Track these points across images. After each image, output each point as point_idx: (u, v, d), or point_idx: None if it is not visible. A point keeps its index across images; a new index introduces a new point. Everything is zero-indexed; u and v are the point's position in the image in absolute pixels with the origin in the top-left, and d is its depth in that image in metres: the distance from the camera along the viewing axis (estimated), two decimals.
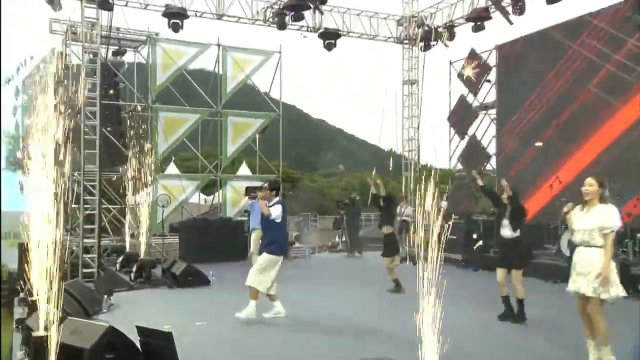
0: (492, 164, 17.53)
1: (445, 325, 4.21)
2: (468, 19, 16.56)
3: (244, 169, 22.10)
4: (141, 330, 5.51)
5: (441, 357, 4.16)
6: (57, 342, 4.71)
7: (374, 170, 14.33)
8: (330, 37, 17.84)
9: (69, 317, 5.72)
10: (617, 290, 5.53)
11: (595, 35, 13.65)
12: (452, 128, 18.52)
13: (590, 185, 5.77)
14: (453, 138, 18.56)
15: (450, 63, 18.53)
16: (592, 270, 5.54)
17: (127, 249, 12.71)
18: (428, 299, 4.13)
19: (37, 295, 6.09)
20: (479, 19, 16.16)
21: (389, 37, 19.08)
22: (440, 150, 22.78)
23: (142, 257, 11.35)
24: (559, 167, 14.42)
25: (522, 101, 15.75)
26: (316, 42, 18.18)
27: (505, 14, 15.45)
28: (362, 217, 21.03)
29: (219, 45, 17.78)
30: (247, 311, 7.79)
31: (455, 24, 17.37)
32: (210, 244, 14.36)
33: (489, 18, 16.05)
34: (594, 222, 5.62)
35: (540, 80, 15.11)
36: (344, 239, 20.08)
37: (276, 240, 8.03)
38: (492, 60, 17.06)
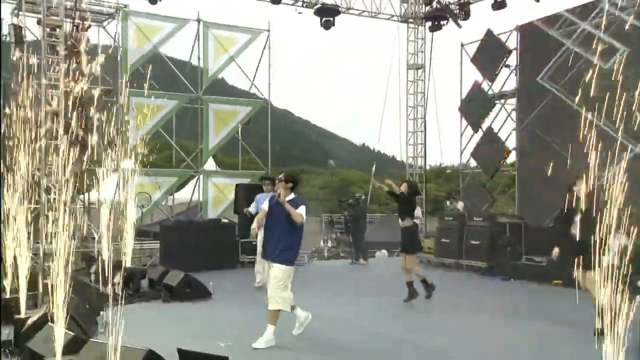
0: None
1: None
2: None
3: (209, 164, 21.37)
4: (186, 355, 4.85)
5: None
6: None
7: (374, 166, 13.90)
8: (328, 14, 17.32)
9: (91, 340, 5.02)
10: None
11: None
12: (464, 119, 18.20)
13: None
14: (465, 131, 18.27)
15: (462, 46, 18.22)
16: None
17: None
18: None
19: (54, 314, 5.36)
20: None
21: (392, 16, 18.64)
22: (450, 144, 22.57)
23: (128, 265, 10.58)
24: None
25: (547, 89, 15.49)
26: (312, 20, 17.67)
27: None
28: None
29: (199, 20, 17.01)
30: (267, 339, 7.11)
31: (471, 1, 17.03)
32: (197, 250, 13.63)
33: None
34: None
35: (567, 64, 14.85)
36: (330, 244, 19.59)
37: (294, 246, 7.38)
38: (512, 43, 16.78)
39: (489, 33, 17.17)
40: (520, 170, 16.62)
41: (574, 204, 7.75)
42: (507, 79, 17.05)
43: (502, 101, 17.37)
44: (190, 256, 13.26)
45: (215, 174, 17.75)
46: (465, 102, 18.06)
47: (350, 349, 7.18)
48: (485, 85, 17.58)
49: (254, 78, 17.83)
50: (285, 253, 7.24)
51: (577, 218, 7.71)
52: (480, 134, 17.65)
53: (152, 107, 16.48)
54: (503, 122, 17.27)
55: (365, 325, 8.49)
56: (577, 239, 7.61)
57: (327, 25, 17.28)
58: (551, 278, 12.31)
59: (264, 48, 17.66)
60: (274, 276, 7.22)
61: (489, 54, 17.15)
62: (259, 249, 11.42)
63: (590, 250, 7.66)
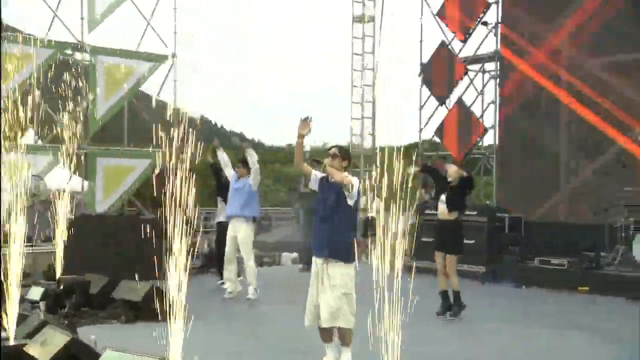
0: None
1: None
2: None
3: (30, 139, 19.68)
4: None
5: None
6: None
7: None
8: None
9: None
10: None
11: None
12: (425, 88, 18.00)
13: None
14: (426, 103, 18.06)
15: None
16: None
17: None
18: None
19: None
20: None
21: None
22: (406, 119, 22.31)
23: (61, 275, 9.19)
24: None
25: (536, 51, 15.62)
26: None
27: None
28: None
29: None
30: None
31: None
32: (105, 255, 12.40)
33: None
34: None
35: (563, 20, 15.07)
36: None
37: (341, 237, 6.70)
38: None
39: None
40: (501, 153, 16.63)
41: None
42: (484, 40, 16.99)
43: (477, 67, 17.31)
44: (97, 264, 11.98)
45: (105, 154, 16.14)
46: (428, 67, 17.85)
47: None
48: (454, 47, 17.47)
49: (150, 16, 16.53)
50: (335, 245, 6.64)
51: None
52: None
53: (19, 56, 14.83)
54: (478, 93, 17.25)
55: None
56: None
57: None
58: (573, 284, 12.36)
59: None
60: (333, 280, 6.59)
61: (461, 6, 17.04)
62: (228, 250, 10.91)
63: None
